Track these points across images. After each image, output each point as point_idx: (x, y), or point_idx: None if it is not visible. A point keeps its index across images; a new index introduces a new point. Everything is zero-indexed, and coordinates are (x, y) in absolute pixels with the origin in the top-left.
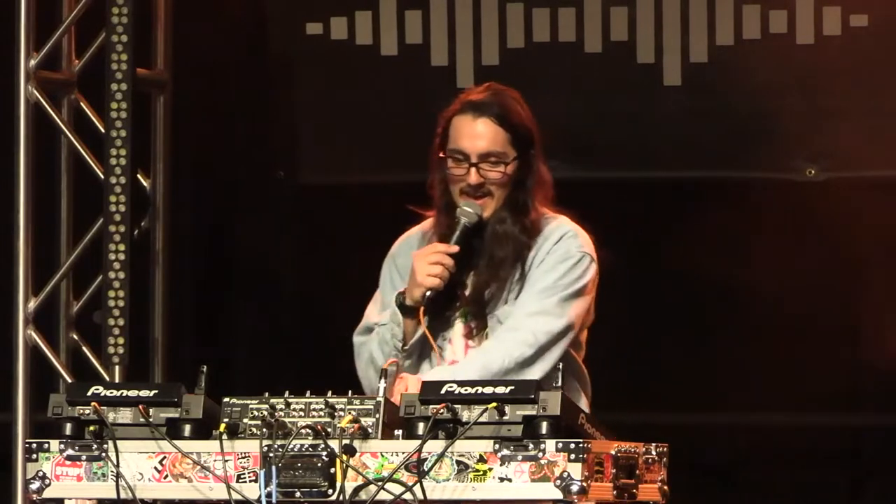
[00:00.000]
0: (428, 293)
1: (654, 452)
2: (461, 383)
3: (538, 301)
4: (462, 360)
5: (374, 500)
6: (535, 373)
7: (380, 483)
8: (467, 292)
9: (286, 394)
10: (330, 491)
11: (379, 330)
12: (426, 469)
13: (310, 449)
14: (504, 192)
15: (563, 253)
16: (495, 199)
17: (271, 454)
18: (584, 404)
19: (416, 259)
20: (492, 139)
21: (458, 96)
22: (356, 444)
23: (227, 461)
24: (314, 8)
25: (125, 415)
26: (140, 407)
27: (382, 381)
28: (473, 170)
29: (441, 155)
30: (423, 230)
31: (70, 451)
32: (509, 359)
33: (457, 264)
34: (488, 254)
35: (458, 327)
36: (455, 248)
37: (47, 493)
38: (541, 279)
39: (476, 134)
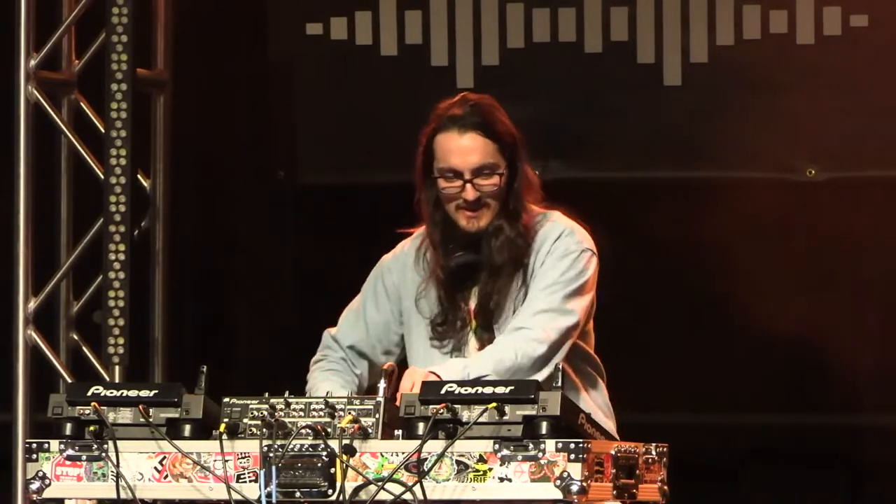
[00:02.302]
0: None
1: (654, 452)
2: (461, 383)
3: (544, 299)
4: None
5: (374, 500)
6: (549, 370)
7: (380, 483)
8: (473, 306)
9: (286, 394)
10: (330, 491)
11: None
12: (426, 469)
13: (310, 449)
14: (499, 201)
15: (563, 250)
16: (491, 209)
17: (271, 454)
18: (601, 389)
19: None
20: (482, 152)
21: (434, 112)
22: (356, 444)
23: (227, 461)
24: (314, 8)
25: (125, 415)
26: (140, 407)
27: (382, 380)
28: (469, 186)
29: (431, 175)
30: (415, 246)
31: (70, 451)
32: (522, 355)
33: (461, 281)
34: (488, 264)
35: (473, 343)
36: None
37: (47, 493)
38: (544, 278)
39: (465, 149)
